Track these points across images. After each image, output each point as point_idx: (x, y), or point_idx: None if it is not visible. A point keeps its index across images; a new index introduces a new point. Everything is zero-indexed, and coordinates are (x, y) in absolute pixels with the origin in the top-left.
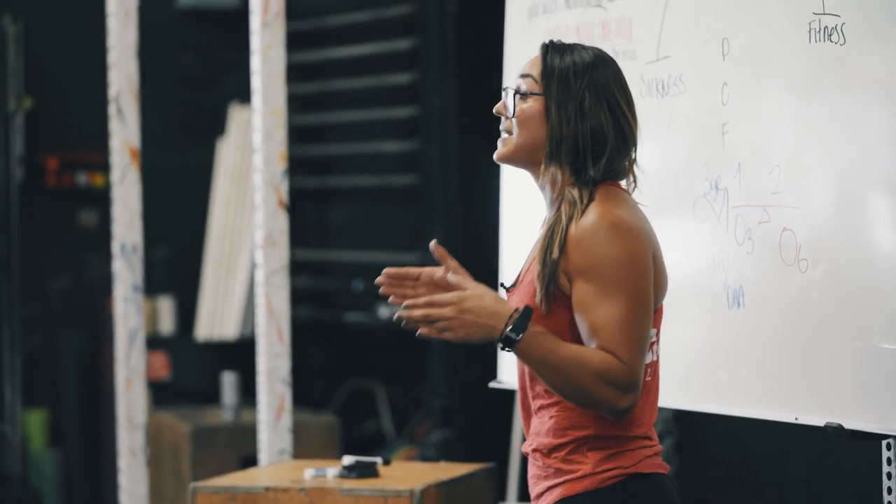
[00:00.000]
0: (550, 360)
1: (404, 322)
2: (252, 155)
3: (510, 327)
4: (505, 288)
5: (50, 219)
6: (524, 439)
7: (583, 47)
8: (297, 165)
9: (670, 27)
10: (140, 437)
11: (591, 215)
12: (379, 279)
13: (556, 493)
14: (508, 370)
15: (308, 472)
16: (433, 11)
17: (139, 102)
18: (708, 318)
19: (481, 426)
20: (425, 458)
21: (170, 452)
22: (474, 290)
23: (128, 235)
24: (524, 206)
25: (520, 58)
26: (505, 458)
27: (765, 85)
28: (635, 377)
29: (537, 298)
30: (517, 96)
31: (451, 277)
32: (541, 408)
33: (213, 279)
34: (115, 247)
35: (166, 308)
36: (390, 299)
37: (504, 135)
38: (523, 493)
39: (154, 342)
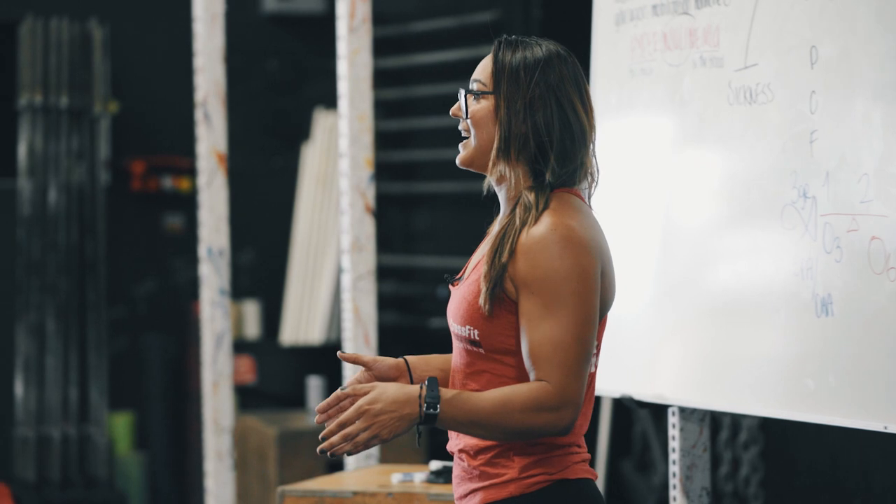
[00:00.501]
0: (475, 417)
1: (329, 453)
2: (337, 160)
3: (425, 406)
4: (448, 282)
5: (136, 223)
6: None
7: (537, 43)
8: (381, 171)
9: (758, 35)
10: (227, 440)
11: (543, 225)
12: (317, 419)
13: (478, 498)
14: (599, 377)
15: (395, 477)
16: (517, 18)
17: (226, 107)
18: (796, 327)
19: None
20: None
21: (256, 456)
22: (373, 390)
23: (215, 239)
24: (612, 213)
25: (606, 65)
26: (591, 466)
27: (853, 93)
28: (566, 396)
29: (481, 299)
30: (470, 97)
31: (339, 392)
32: None
33: (299, 284)
34: (202, 250)
35: (252, 312)
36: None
37: (465, 136)
38: (609, 501)
39: (240, 346)
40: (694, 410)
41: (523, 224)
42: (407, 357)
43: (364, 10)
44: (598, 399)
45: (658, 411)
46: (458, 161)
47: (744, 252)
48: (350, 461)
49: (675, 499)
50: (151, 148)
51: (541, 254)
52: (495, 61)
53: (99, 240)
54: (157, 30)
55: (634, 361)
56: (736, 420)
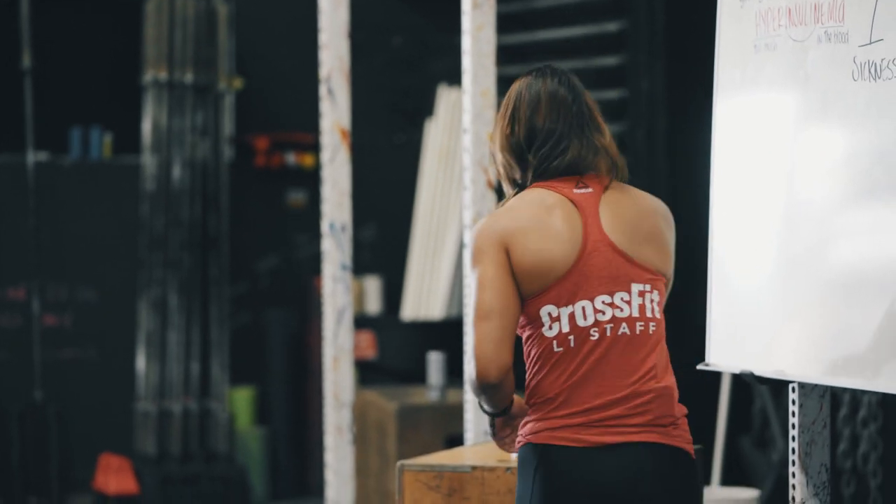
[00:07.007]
0: None
1: None
2: (460, 136)
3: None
4: None
5: (259, 198)
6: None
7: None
8: None
9: (884, 9)
10: (347, 415)
11: None
12: None
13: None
14: (718, 352)
15: (514, 453)
16: None
17: (350, 83)
18: None
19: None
20: None
21: (375, 431)
22: None
23: (337, 215)
24: (734, 189)
25: (730, 40)
26: (710, 442)
27: None
28: (473, 349)
29: None
30: None
31: None
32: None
33: (420, 259)
34: (325, 226)
35: (373, 288)
36: None
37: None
38: (727, 477)
39: (361, 322)
40: (814, 386)
41: None
42: None
43: None
44: (717, 374)
45: (778, 388)
46: None
47: (867, 229)
48: (469, 437)
49: (794, 475)
50: (275, 124)
51: None
52: None
53: (222, 215)
54: (282, 6)
55: (755, 337)
56: (855, 396)
